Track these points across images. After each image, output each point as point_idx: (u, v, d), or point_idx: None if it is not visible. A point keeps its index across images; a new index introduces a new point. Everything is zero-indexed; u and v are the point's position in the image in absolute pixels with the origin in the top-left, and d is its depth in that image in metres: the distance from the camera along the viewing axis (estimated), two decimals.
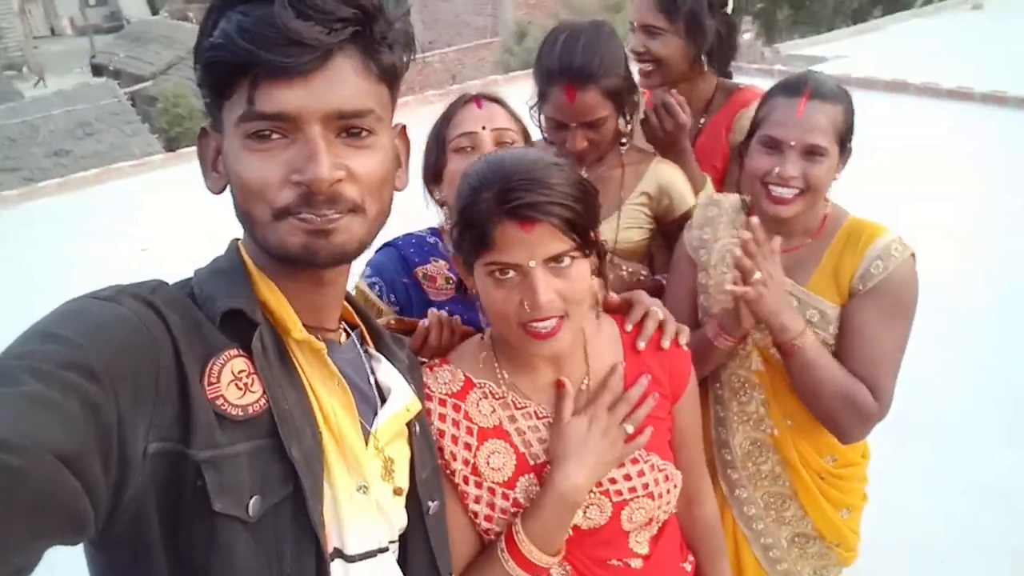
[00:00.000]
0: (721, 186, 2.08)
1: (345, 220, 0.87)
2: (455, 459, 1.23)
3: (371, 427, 0.98)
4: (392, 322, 1.35)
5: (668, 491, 1.27)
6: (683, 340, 1.34)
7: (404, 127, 1.01)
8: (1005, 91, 8.24)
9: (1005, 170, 6.58)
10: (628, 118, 1.85)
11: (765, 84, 2.23)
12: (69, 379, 0.68)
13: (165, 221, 7.56)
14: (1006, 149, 7.04)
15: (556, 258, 1.12)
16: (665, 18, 1.94)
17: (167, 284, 0.89)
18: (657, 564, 1.30)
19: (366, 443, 0.97)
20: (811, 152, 1.53)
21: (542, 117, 1.80)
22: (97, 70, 22.16)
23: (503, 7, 19.98)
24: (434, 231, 1.66)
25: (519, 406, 1.25)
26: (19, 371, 0.67)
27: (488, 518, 1.23)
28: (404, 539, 1.04)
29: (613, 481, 1.24)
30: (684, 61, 1.99)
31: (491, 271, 1.13)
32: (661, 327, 1.32)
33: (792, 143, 1.53)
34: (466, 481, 1.23)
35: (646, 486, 1.25)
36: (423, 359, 1.30)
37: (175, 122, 16.71)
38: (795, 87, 1.57)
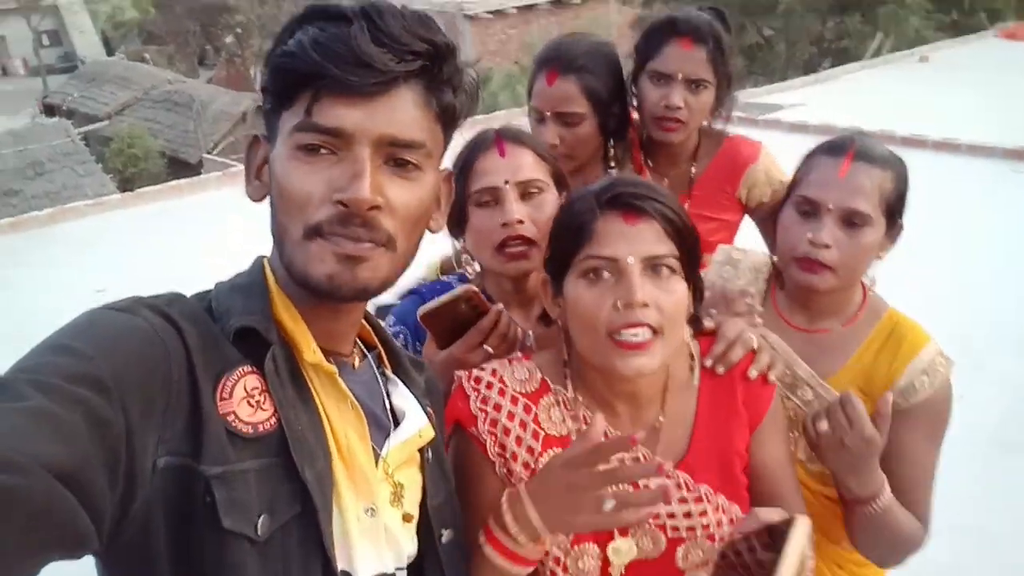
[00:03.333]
0: (715, 236, 2.01)
1: (376, 253, 0.86)
2: (516, 460, 1.18)
3: (382, 451, 0.97)
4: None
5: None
6: (773, 375, 1.26)
7: (451, 173, 1.01)
8: (957, 138, 8.51)
9: (959, 214, 6.76)
10: (612, 141, 1.88)
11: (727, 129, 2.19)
12: (76, 393, 0.68)
13: (121, 262, 7.36)
14: (959, 194, 7.24)
15: (656, 261, 1.10)
16: (712, 71, 1.88)
17: (185, 296, 0.89)
18: None
19: (376, 466, 0.94)
20: (851, 218, 1.36)
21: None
22: (50, 110, 21.75)
23: (465, 53, 20.19)
24: (462, 278, 1.56)
25: (590, 421, 1.18)
26: (24, 385, 0.67)
27: None
28: (420, 569, 1.02)
29: (672, 516, 1.17)
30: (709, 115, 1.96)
31: (586, 271, 1.11)
32: (754, 355, 1.26)
33: (830, 206, 1.36)
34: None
35: (707, 527, 1.17)
36: (490, 349, 1.29)
37: (130, 163, 16.45)
38: (839, 147, 1.41)
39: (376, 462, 0.95)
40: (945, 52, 14.14)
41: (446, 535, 1.05)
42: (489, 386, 1.21)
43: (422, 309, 1.30)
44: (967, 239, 6.28)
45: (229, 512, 0.78)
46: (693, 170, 2.02)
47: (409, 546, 0.99)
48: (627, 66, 1.96)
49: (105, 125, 18.71)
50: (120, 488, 0.71)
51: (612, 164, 1.91)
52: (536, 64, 1.85)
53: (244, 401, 0.83)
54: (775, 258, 1.54)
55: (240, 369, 0.84)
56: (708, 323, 1.29)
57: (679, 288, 1.12)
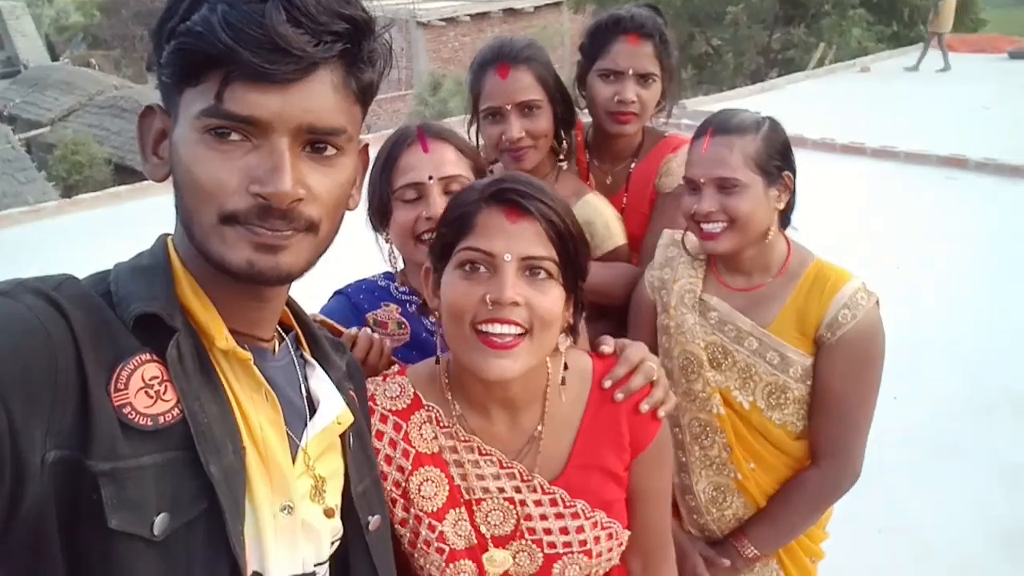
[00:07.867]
0: (644, 230, 2.05)
1: (297, 238, 0.82)
2: (386, 479, 1.16)
3: (300, 441, 0.92)
4: (319, 322, 1.27)
5: (610, 549, 1.19)
6: (663, 411, 1.23)
7: (367, 145, 0.95)
8: (895, 146, 8.74)
9: (895, 219, 6.93)
10: (564, 134, 1.88)
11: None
12: None
13: (59, 270, 7.10)
14: (897, 198, 7.44)
15: (533, 262, 1.07)
16: (659, 65, 1.92)
17: (76, 279, 0.82)
18: None
19: (294, 459, 0.90)
20: (724, 185, 1.52)
21: (479, 124, 1.84)
22: None
23: (417, 60, 20.21)
24: (388, 275, 1.59)
25: (464, 439, 1.18)
26: None
27: (412, 543, 1.17)
28: (345, 557, 0.98)
29: (548, 532, 1.17)
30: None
31: (462, 262, 1.08)
32: (651, 387, 1.23)
33: (702, 180, 1.54)
34: (394, 503, 1.17)
35: (584, 543, 1.17)
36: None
37: (74, 170, 16.00)
38: (702, 128, 1.59)
39: (295, 453, 0.91)
40: (885, 62, 14.56)
41: (373, 521, 1.01)
42: None
43: None
44: (903, 243, 6.42)
45: (117, 511, 0.73)
46: (633, 166, 2.05)
47: (331, 541, 0.96)
48: (572, 70, 1.98)
49: (47, 131, 18.21)
50: (8, 487, 0.67)
51: (561, 158, 1.91)
52: (480, 66, 1.82)
53: (142, 392, 0.77)
54: None
55: (137, 358, 0.78)
56: (606, 349, 1.27)
57: (554, 292, 1.09)
